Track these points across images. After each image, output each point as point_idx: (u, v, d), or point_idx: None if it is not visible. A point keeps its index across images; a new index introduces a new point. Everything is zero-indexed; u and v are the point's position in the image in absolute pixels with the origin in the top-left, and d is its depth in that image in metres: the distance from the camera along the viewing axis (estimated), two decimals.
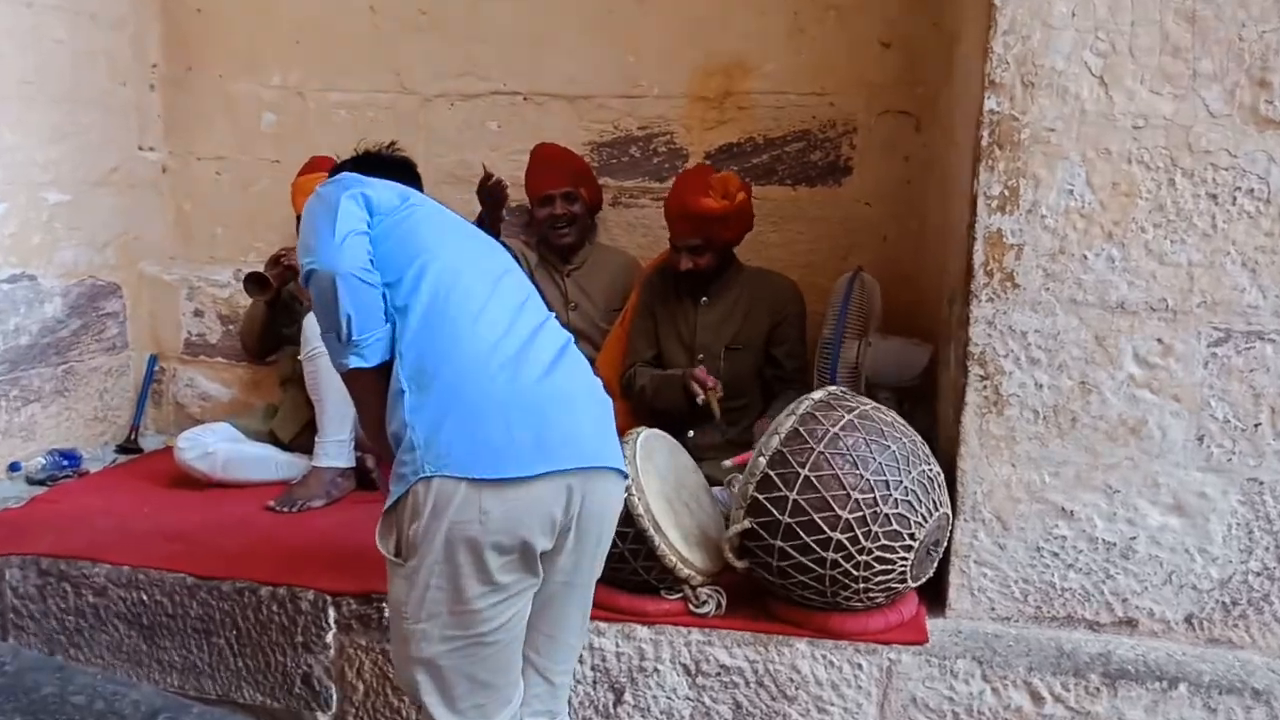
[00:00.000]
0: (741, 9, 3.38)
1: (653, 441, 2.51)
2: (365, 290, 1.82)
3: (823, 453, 2.25)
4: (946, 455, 2.45)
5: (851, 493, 2.22)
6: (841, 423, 2.30)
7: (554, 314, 2.03)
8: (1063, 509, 2.34)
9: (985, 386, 2.36)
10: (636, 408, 3.13)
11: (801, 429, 2.30)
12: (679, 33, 3.44)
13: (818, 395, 2.39)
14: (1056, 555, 2.36)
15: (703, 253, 2.97)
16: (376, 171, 2.13)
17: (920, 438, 2.37)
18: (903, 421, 2.39)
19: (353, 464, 3.19)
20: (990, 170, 2.30)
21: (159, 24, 3.76)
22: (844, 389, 2.47)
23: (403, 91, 3.66)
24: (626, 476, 1.99)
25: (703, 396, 2.83)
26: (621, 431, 3.01)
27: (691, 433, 3.03)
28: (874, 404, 2.40)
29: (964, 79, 2.63)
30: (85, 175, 3.53)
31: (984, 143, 2.29)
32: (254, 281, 3.24)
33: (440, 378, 1.80)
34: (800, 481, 2.24)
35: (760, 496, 2.27)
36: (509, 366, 1.81)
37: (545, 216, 3.31)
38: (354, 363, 1.85)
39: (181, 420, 3.85)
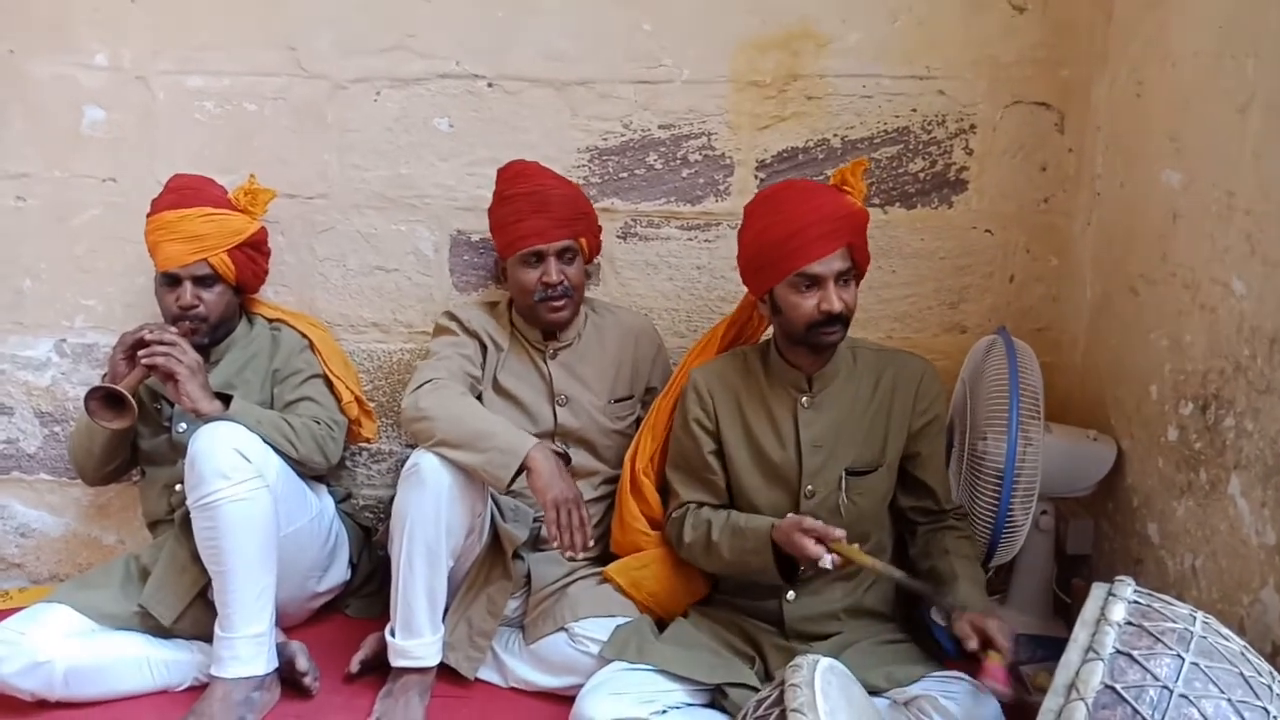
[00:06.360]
0: None
1: (830, 679, 1.51)
2: None
3: None
4: None
5: None
6: (1183, 671, 1.36)
7: None
8: None
9: None
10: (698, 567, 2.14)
11: (1119, 687, 1.35)
12: None
13: (1116, 612, 1.43)
14: None
15: (849, 283, 1.94)
16: None
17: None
18: (1247, 645, 1.46)
19: (275, 664, 2.07)
20: None
21: None
22: (1135, 585, 1.51)
23: (302, 74, 2.47)
24: None
25: (829, 559, 1.80)
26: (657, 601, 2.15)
27: (791, 595, 2.03)
28: (1198, 612, 1.46)
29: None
30: None
31: None
32: (105, 401, 2.04)
33: None
34: None
35: None
36: None
37: (533, 284, 2.21)
38: None
39: None
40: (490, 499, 2.16)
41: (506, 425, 2.06)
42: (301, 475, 2.23)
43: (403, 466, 2.59)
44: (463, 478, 2.01)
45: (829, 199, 1.93)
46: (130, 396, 2.02)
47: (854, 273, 1.95)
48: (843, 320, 1.93)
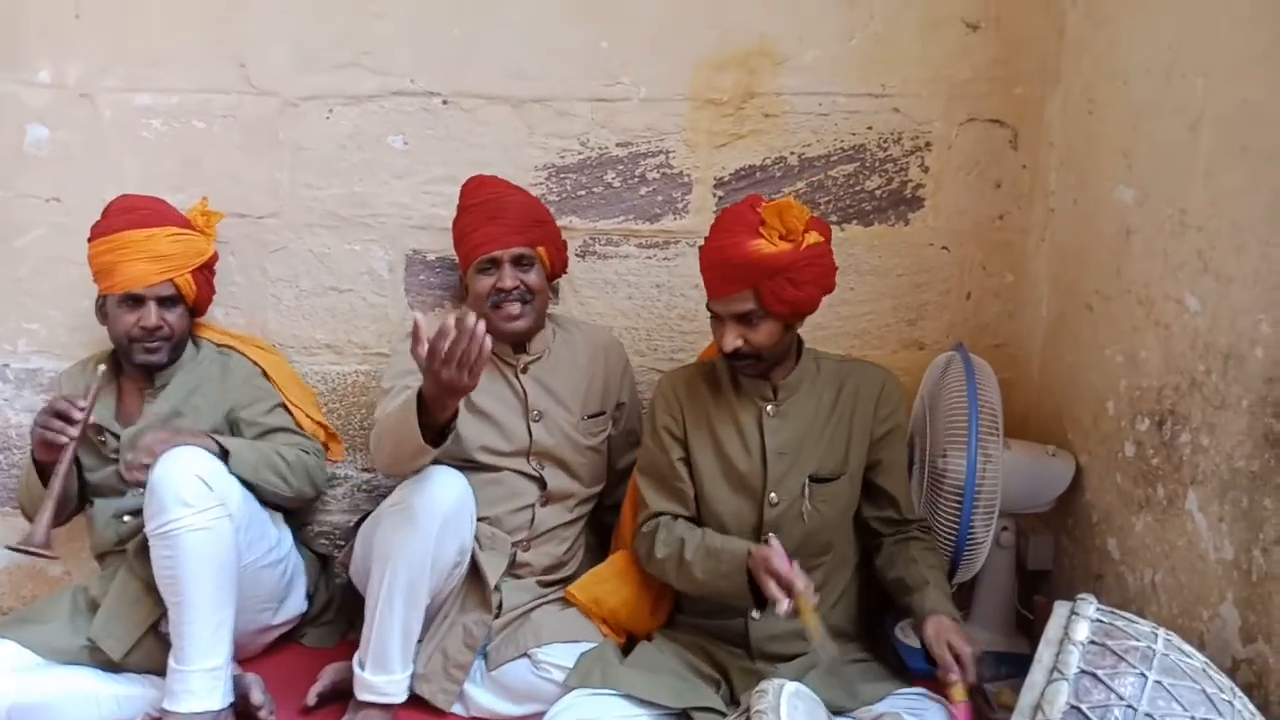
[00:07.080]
0: None
1: (796, 705, 1.49)
2: None
3: None
4: None
5: None
6: (1146, 689, 1.36)
7: None
8: None
9: None
10: (663, 583, 2.11)
11: (1084, 707, 1.35)
12: (677, 7, 2.37)
13: (1079, 631, 1.43)
14: None
15: (756, 323, 1.92)
16: None
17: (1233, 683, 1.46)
18: (1209, 661, 1.47)
19: (231, 699, 2.00)
20: None
21: None
22: (1098, 603, 1.51)
23: (252, 91, 2.43)
24: None
25: (787, 605, 1.75)
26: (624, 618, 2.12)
27: (756, 614, 2.00)
28: (1160, 629, 1.47)
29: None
30: None
31: None
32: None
33: None
34: None
35: None
36: None
37: (487, 290, 2.18)
38: None
39: None
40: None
41: (399, 405, 1.93)
42: (263, 504, 2.17)
43: (359, 491, 2.57)
44: (453, 513, 1.97)
45: (734, 244, 1.89)
46: (46, 548, 1.97)
47: (761, 313, 1.91)
48: (751, 356, 1.95)
